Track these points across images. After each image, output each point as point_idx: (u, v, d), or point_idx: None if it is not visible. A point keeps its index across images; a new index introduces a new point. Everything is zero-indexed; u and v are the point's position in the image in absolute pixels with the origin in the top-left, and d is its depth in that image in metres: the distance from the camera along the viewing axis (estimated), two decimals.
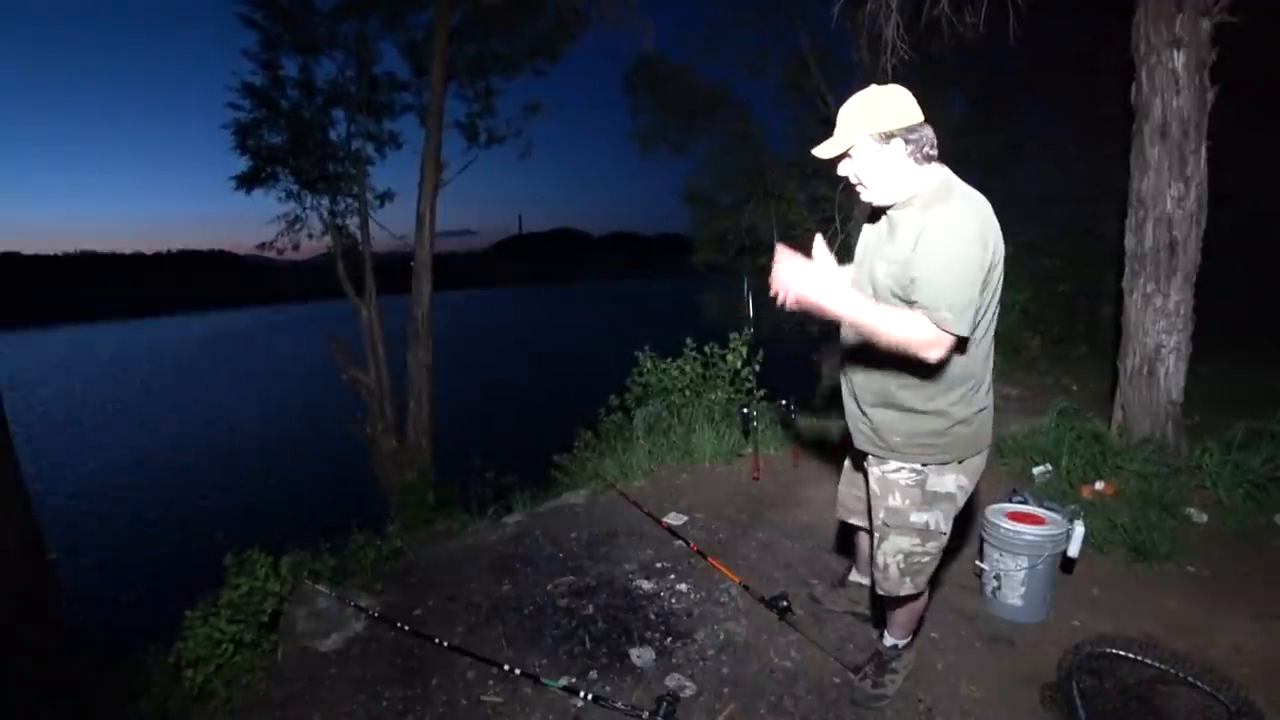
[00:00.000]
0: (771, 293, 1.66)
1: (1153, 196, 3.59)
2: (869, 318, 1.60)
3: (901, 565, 1.90)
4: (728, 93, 10.23)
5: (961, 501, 1.90)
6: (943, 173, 1.70)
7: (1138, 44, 3.56)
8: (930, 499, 1.85)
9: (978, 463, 1.88)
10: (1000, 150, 8.38)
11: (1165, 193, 3.55)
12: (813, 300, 1.59)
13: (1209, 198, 3.55)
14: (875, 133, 1.64)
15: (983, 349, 1.75)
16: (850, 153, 1.69)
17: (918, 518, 1.86)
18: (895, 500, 1.87)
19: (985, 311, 1.67)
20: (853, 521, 2.35)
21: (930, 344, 1.58)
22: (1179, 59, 3.43)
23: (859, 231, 1.97)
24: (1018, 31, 3.82)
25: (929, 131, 1.66)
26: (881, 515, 1.92)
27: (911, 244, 1.63)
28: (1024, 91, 8.68)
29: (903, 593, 1.95)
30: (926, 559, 1.91)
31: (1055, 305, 7.63)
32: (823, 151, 1.71)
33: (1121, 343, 3.84)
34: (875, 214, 1.85)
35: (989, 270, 1.61)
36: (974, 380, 1.77)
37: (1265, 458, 3.42)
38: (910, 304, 1.63)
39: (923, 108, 1.68)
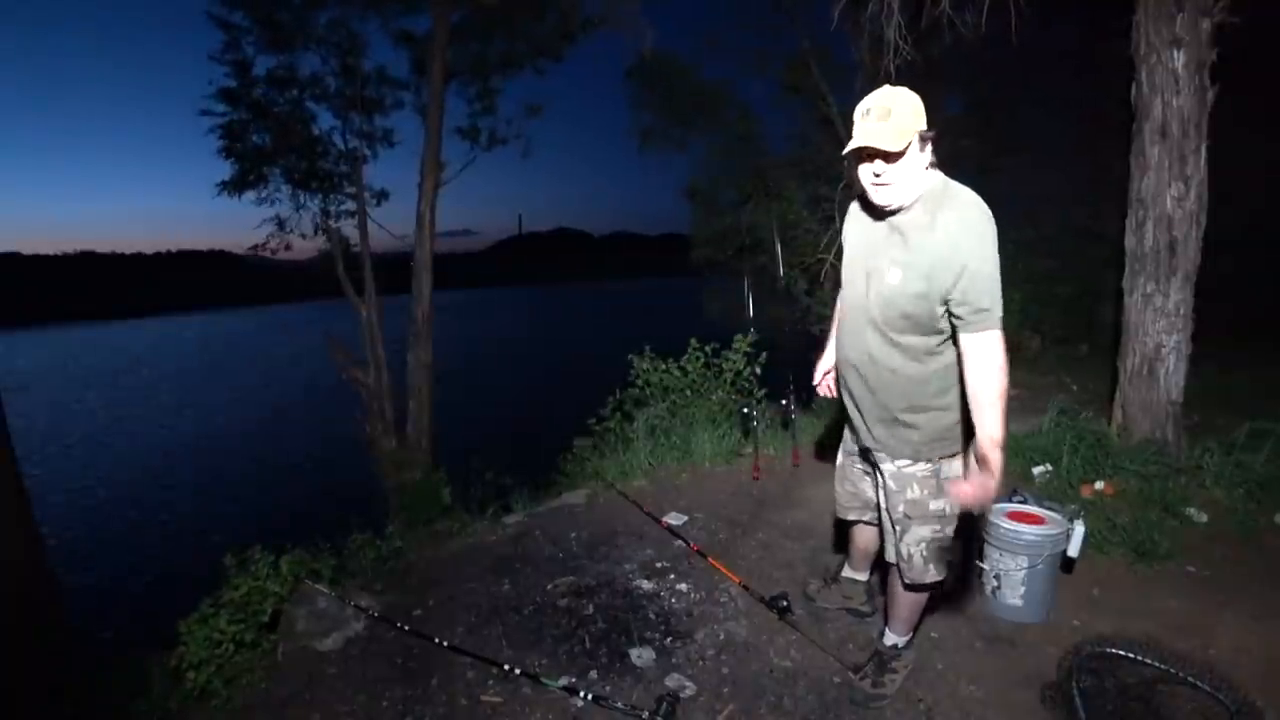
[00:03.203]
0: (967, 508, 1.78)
1: (1153, 196, 3.59)
2: (1001, 411, 1.65)
3: (925, 553, 1.97)
4: (729, 91, 10.22)
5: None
6: (940, 175, 1.73)
7: (1138, 44, 3.56)
8: (945, 486, 1.92)
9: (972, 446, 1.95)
10: (1000, 150, 8.37)
11: (1165, 193, 3.55)
12: (991, 495, 1.68)
13: (1209, 198, 3.55)
14: (923, 132, 1.64)
15: None
16: (903, 150, 1.63)
17: (936, 505, 1.93)
18: (914, 492, 1.93)
19: None
20: (851, 518, 2.37)
21: (1002, 349, 1.66)
22: (1179, 59, 3.43)
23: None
24: (1018, 32, 3.81)
25: None
26: (901, 509, 1.96)
27: (932, 250, 1.65)
28: (1024, 91, 8.68)
29: (928, 580, 2.01)
30: (945, 543, 1.99)
31: (1055, 305, 7.63)
32: (888, 143, 1.61)
33: (1121, 343, 3.84)
34: (867, 212, 1.86)
35: None
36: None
37: (1266, 458, 3.42)
38: (933, 311, 1.71)
39: (924, 108, 1.68)
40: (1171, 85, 3.46)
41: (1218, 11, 3.40)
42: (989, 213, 1.67)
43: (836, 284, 2.19)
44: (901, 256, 1.71)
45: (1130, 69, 3.63)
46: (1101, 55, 5.67)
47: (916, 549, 1.97)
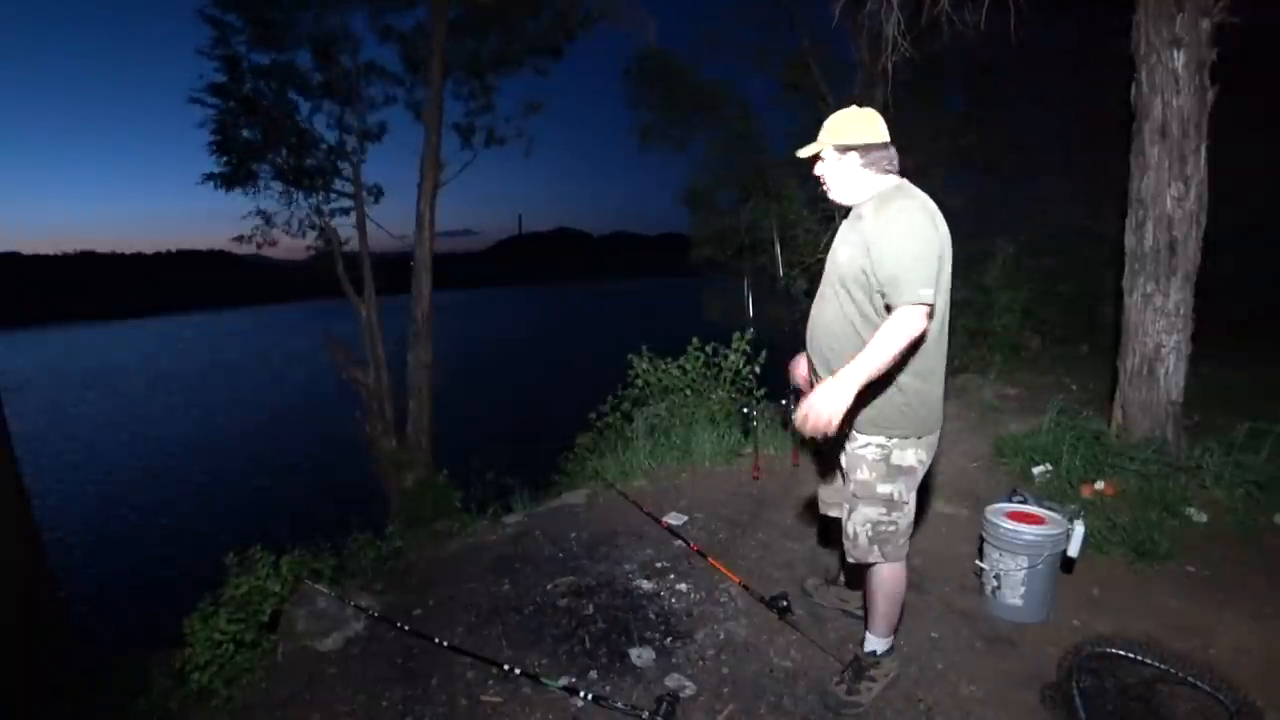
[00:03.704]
0: (807, 437, 1.87)
1: (1152, 196, 3.59)
2: (872, 362, 1.76)
3: (870, 533, 2.05)
4: (728, 90, 10.22)
5: (920, 474, 2.05)
6: (897, 180, 1.98)
7: (1138, 44, 3.56)
8: (894, 472, 2.00)
9: (933, 440, 2.04)
10: (1000, 149, 8.37)
11: (1165, 192, 3.54)
12: (830, 416, 1.76)
13: (1209, 198, 3.55)
14: (836, 144, 1.98)
15: (934, 328, 1.89)
16: (821, 157, 2.04)
17: (883, 488, 2.01)
18: (863, 474, 2.03)
19: (937, 294, 1.84)
20: (831, 514, 2.42)
21: (917, 323, 1.76)
22: (1179, 59, 3.42)
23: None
24: (1018, 31, 3.81)
25: (890, 151, 1.97)
26: (851, 488, 2.07)
27: (870, 232, 1.87)
28: (1023, 90, 8.68)
29: (872, 560, 2.08)
30: (893, 528, 2.04)
31: (1055, 305, 7.62)
32: (802, 152, 2.06)
33: (1121, 343, 3.84)
34: (847, 211, 2.11)
35: (941, 253, 1.83)
36: (928, 357, 1.94)
37: (1266, 458, 3.42)
38: (870, 283, 1.87)
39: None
40: (1171, 85, 3.46)
41: (1218, 11, 3.40)
42: (930, 207, 1.88)
43: None
44: (851, 237, 1.97)
45: (1130, 69, 3.63)
46: (1101, 55, 5.66)
47: (862, 528, 2.05)
